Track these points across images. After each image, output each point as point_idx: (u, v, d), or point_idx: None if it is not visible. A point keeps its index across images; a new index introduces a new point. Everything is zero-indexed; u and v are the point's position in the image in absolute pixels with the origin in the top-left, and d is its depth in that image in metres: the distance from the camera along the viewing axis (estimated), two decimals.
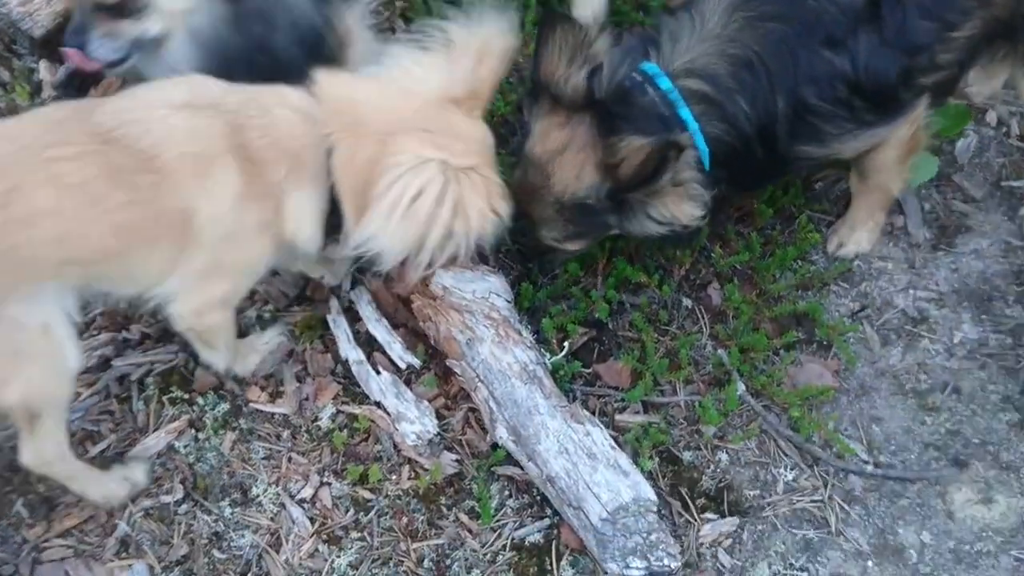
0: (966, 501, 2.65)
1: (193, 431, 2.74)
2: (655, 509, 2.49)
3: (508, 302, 2.77)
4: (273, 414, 2.78)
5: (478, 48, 2.40)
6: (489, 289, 2.76)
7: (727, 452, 2.72)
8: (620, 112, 2.46)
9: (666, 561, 2.47)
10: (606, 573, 2.47)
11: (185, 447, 2.71)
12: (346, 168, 2.36)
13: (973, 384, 2.83)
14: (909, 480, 2.68)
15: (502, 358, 2.63)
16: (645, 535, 2.47)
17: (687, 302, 2.94)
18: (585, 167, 2.50)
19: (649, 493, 2.49)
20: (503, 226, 2.51)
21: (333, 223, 2.46)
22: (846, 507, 2.64)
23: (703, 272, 2.99)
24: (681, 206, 2.52)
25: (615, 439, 2.62)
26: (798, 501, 2.65)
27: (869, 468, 2.68)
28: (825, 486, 2.66)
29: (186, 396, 2.79)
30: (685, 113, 2.48)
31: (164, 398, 2.78)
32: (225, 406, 2.78)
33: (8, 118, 2.35)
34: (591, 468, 2.50)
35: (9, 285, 2.18)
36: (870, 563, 2.56)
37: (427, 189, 2.33)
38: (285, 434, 2.76)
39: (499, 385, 2.61)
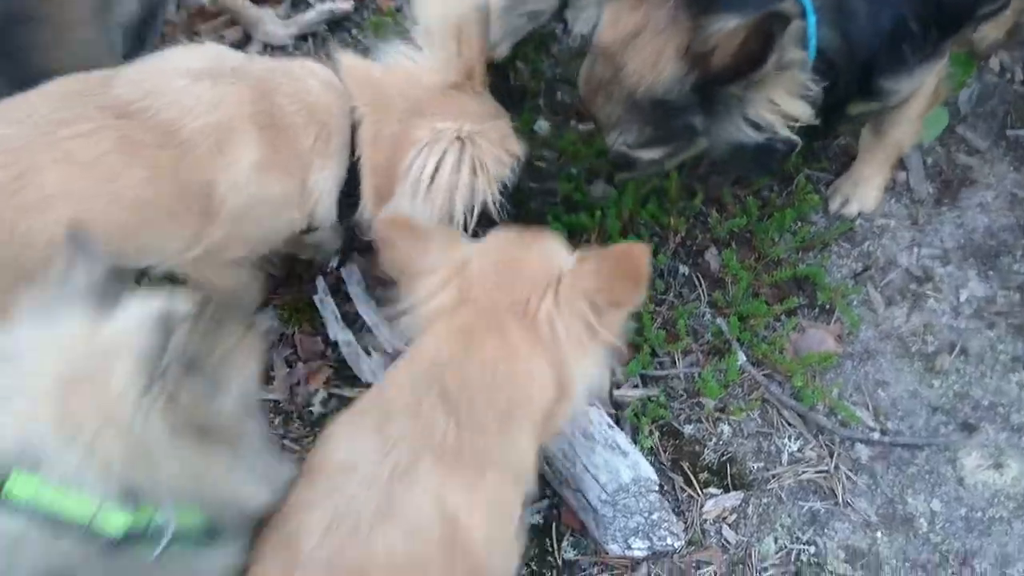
0: (977, 467, 2.58)
1: None
2: (656, 488, 2.44)
3: None
4: (265, 401, 2.72)
5: (455, 31, 2.32)
6: None
7: (729, 424, 2.65)
8: None
9: (669, 540, 2.43)
10: (608, 554, 2.43)
11: None
12: (372, 143, 2.32)
13: (981, 344, 2.74)
14: (917, 447, 2.60)
15: None
16: (647, 515, 2.42)
17: (684, 269, 2.85)
18: (665, 52, 2.09)
19: (649, 472, 2.43)
20: (521, 166, 2.44)
21: (347, 202, 2.40)
22: (853, 477, 2.57)
23: (700, 238, 2.88)
24: (787, 101, 2.10)
25: (614, 417, 2.56)
26: (803, 472, 2.58)
27: (876, 436, 2.61)
28: (831, 456, 2.59)
29: None
30: None
31: None
32: None
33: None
34: (588, 449, 2.44)
35: (25, 275, 2.11)
36: (879, 534, 2.50)
37: (445, 159, 2.28)
38: (277, 421, 2.69)
39: None
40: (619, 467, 2.41)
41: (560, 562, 2.46)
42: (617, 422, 2.55)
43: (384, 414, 1.85)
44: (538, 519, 2.51)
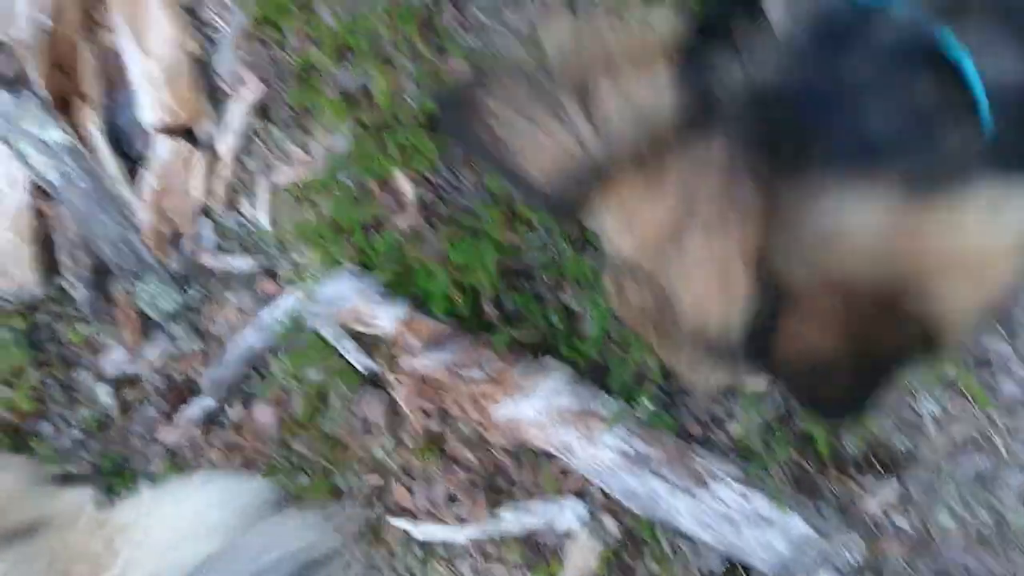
0: None
1: None
2: (816, 535, 2.44)
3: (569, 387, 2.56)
4: None
5: None
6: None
7: None
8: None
9: (850, 558, 2.47)
10: None
11: None
12: None
13: None
14: None
15: (599, 456, 2.52)
16: (821, 555, 2.46)
17: None
18: (732, 271, 1.21)
19: (801, 529, 2.42)
20: None
21: None
22: (1010, 417, 2.34)
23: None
24: None
25: (740, 455, 2.51)
26: (953, 431, 2.40)
27: (1020, 372, 2.30)
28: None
29: None
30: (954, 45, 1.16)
31: None
32: None
33: None
34: (735, 533, 2.47)
35: None
36: None
37: None
38: None
39: (612, 483, 2.55)
40: (771, 541, 2.44)
41: None
42: (745, 457, 2.51)
43: None
44: (724, 566, 2.65)
